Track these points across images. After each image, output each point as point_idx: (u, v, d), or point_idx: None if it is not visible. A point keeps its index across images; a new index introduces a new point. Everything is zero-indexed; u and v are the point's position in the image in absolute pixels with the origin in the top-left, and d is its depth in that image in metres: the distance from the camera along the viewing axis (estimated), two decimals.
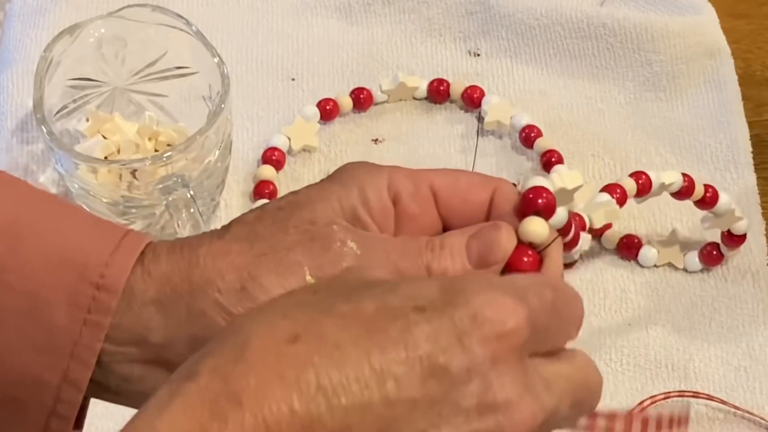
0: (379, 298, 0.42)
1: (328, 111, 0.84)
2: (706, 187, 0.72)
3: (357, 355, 0.40)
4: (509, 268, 0.49)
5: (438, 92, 0.85)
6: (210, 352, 0.41)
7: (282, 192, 0.81)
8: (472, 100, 0.84)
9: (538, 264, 0.49)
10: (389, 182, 0.50)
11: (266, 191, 0.80)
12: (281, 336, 0.41)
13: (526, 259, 0.49)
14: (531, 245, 0.49)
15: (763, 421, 0.71)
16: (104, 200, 0.73)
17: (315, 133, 0.82)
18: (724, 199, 0.73)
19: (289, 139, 0.82)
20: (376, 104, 0.85)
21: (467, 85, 0.85)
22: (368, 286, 0.43)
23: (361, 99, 0.85)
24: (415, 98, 0.86)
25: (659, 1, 0.88)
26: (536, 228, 0.49)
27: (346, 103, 0.84)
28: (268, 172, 0.81)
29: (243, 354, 0.40)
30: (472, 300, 0.42)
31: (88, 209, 0.74)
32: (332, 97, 0.84)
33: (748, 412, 0.71)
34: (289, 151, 0.83)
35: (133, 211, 0.74)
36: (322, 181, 0.51)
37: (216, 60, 0.73)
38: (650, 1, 0.88)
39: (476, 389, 0.41)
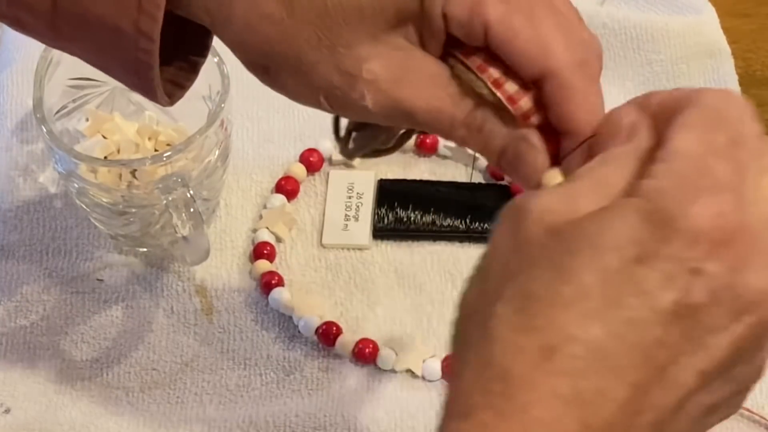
0: (591, 264, 0.42)
1: None
2: None
3: (607, 338, 0.42)
4: None
5: None
6: (477, 384, 0.43)
7: (301, 194, 0.81)
8: None
9: None
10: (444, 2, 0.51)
11: (288, 187, 0.81)
12: (533, 352, 0.42)
13: None
14: None
15: (763, 421, 0.71)
16: (104, 200, 0.73)
17: None
18: None
19: (335, 146, 0.82)
20: None
21: None
22: (563, 247, 0.43)
23: (427, 143, 0.83)
24: None
25: (659, 1, 0.88)
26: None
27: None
28: (298, 169, 0.81)
29: (509, 388, 0.42)
30: (683, 223, 0.42)
31: (87, 209, 0.75)
32: None
33: (748, 411, 0.71)
34: (330, 159, 0.83)
35: (133, 210, 0.74)
36: None
37: (216, 60, 0.73)
38: (650, 1, 0.88)
39: (727, 304, 0.42)
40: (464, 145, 0.53)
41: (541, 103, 0.51)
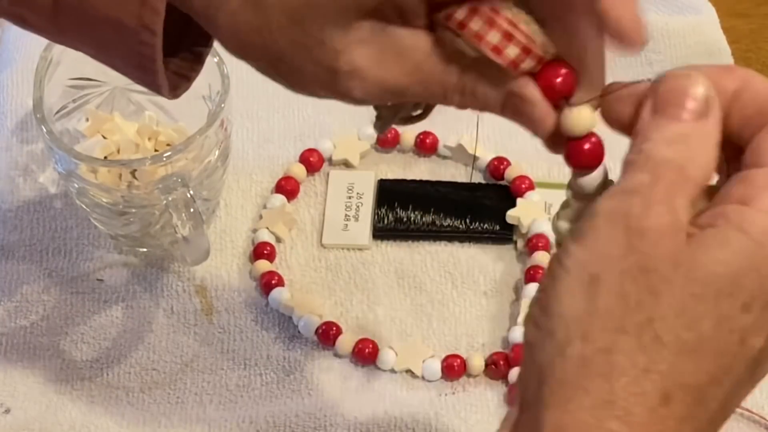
0: (710, 312, 0.44)
1: (387, 138, 0.83)
2: None
3: (709, 385, 0.44)
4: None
5: None
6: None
7: (301, 194, 0.81)
8: None
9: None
10: None
11: (288, 187, 0.81)
12: (654, 398, 0.44)
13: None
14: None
15: (763, 421, 0.71)
16: (104, 200, 0.73)
17: (361, 151, 0.82)
18: None
19: (335, 147, 0.82)
20: None
21: None
22: (686, 287, 0.44)
23: (427, 143, 0.83)
24: None
25: (659, 1, 0.88)
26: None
27: (408, 139, 0.83)
28: (298, 169, 0.81)
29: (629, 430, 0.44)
30: None
31: (87, 209, 0.75)
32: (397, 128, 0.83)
33: (748, 411, 0.71)
34: (330, 159, 0.82)
35: (133, 211, 0.74)
36: None
37: (216, 60, 0.73)
38: (650, 1, 0.88)
39: None
40: (465, 108, 0.52)
41: (530, 47, 0.49)
